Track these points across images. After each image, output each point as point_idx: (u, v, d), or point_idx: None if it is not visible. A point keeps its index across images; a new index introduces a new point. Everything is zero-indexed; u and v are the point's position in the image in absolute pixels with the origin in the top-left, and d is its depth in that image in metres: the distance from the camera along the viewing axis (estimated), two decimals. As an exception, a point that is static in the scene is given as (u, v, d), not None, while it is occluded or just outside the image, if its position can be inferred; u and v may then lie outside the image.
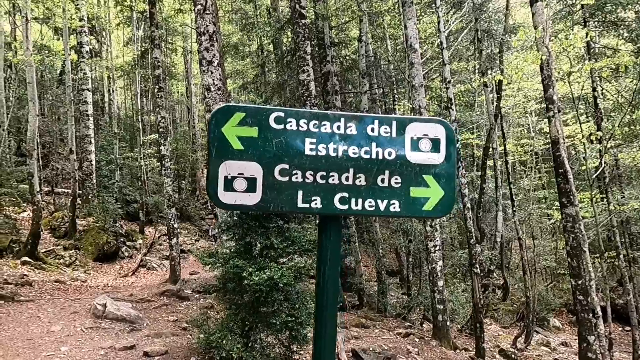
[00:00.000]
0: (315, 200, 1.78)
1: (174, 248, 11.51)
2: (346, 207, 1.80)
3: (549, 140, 8.43)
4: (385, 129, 1.84)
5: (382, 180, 1.82)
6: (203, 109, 22.75)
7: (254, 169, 1.74)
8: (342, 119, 1.82)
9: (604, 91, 14.41)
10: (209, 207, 21.99)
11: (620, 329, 15.21)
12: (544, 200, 19.57)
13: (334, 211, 1.80)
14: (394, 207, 1.83)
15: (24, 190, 13.98)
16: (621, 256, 11.23)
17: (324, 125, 1.80)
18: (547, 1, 13.78)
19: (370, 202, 1.82)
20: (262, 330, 5.51)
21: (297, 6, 10.39)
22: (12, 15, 18.75)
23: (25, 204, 14.54)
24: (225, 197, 1.73)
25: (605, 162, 11.35)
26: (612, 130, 10.33)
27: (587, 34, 8.62)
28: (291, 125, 1.78)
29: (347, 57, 17.32)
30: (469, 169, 20.52)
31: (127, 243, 15.55)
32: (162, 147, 11.93)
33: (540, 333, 13.57)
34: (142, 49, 20.41)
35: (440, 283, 9.30)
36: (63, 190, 18.21)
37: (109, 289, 10.58)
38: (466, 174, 13.77)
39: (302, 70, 10.40)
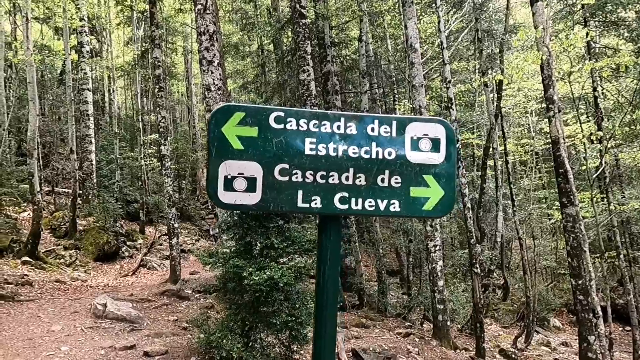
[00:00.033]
0: (315, 200, 1.78)
1: (174, 248, 11.51)
2: (346, 207, 1.80)
3: (550, 140, 8.42)
4: (385, 128, 1.84)
5: (382, 180, 1.82)
6: (203, 109, 22.73)
7: (253, 169, 1.74)
8: (342, 119, 1.82)
9: (604, 91, 14.41)
10: (210, 207, 21.99)
11: (620, 329, 15.21)
12: (544, 200, 19.56)
13: (333, 211, 1.80)
14: (394, 207, 1.83)
15: (25, 190, 13.99)
16: (621, 256, 11.23)
17: (324, 125, 1.80)
18: (548, 1, 13.78)
19: (370, 202, 1.82)
20: (262, 330, 5.51)
21: (298, 6, 10.38)
22: (13, 15, 18.75)
23: (25, 204, 14.54)
24: (225, 196, 1.73)
25: (605, 162, 11.34)
26: (612, 130, 10.33)
27: (587, 34, 8.62)
28: (291, 125, 1.78)
29: (348, 57, 17.32)
30: (469, 169, 20.52)
31: (128, 243, 15.55)
32: (162, 147, 11.93)
33: (540, 333, 13.57)
34: (143, 49, 20.42)
35: (441, 283, 9.30)
36: (63, 190, 18.21)
37: (109, 288, 10.58)
38: (466, 174, 13.77)
39: (302, 70, 10.40)
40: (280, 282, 5.03)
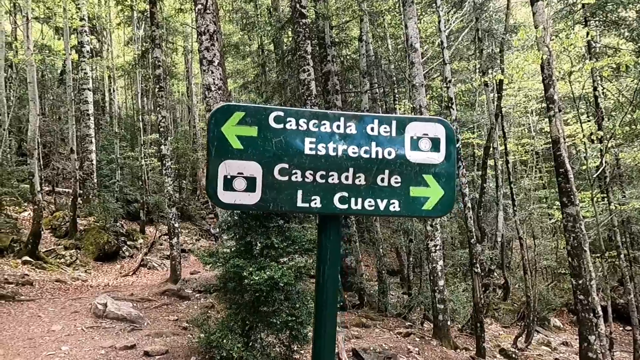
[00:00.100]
0: (315, 199, 1.78)
1: (174, 247, 11.52)
2: (346, 206, 1.80)
3: (550, 140, 8.42)
4: (385, 128, 1.84)
5: (382, 180, 1.82)
6: (204, 109, 22.73)
7: (253, 169, 1.74)
8: (342, 119, 1.82)
9: (604, 91, 14.40)
10: (210, 207, 22.00)
11: (621, 328, 15.20)
12: (544, 200, 19.55)
13: (333, 211, 1.80)
14: (394, 207, 1.83)
15: (25, 190, 14.00)
16: (622, 256, 11.22)
17: (324, 124, 1.80)
18: (548, 0, 13.77)
19: (370, 202, 1.81)
20: (262, 330, 5.51)
21: (298, 5, 10.38)
22: (13, 14, 18.75)
23: (26, 204, 14.55)
24: (224, 196, 1.73)
25: (606, 162, 11.33)
26: (613, 130, 10.31)
27: (587, 34, 8.61)
28: (291, 125, 1.78)
29: (348, 57, 17.31)
30: (470, 169, 20.51)
31: (128, 242, 15.56)
32: (162, 147, 11.93)
33: (540, 333, 13.56)
34: (143, 49, 20.42)
35: (441, 282, 9.30)
36: (64, 189, 18.22)
37: (110, 288, 10.59)
38: (467, 174, 13.77)
39: (302, 70, 10.40)
40: (280, 282, 5.03)
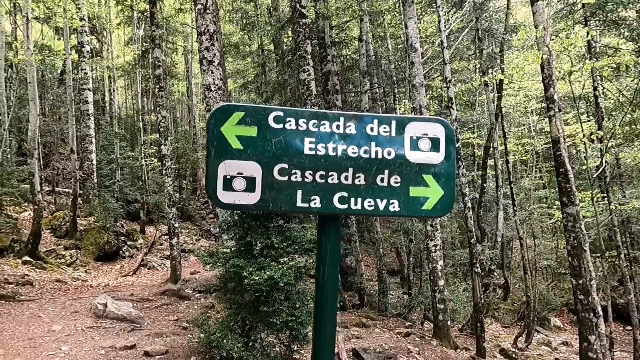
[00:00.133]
0: (315, 199, 1.78)
1: (174, 247, 11.52)
2: (345, 206, 1.80)
3: (550, 140, 8.42)
4: (385, 128, 1.84)
5: (382, 180, 1.82)
6: (204, 109, 22.76)
7: (253, 169, 1.74)
8: (342, 119, 1.82)
9: (604, 90, 14.39)
10: (210, 207, 21.99)
11: (621, 328, 15.20)
12: (544, 200, 19.54)
13: (333, 211, 1.80)
14: (394, 207, 1.83)
15: (25, 190, 14.00)
16: (622, 255, 11.22)
17: (323, 124, 1.80)
18: (548, 0, 13.77)
19: (369, 202, 1.81)
20: (262, 330, 5.51)
21: (298, 5, 10.38)
22: (13, 15, 18.75)
23: (26, 204, 14.55)
24: (224, 196, 1.73)
25: (606, 162, 11.33)
26: (613, 130, 10.30)
27: (588, 33, 8.60)
28: (290, 125, 1.78)
29: (348, 57, 17.31)
30: (470, 169, 20.51)
31: (128, 242, 15.57)
32: (162, 147, 11.94)
33: (541, 332, 13.56)
34: (143, 49, 20.42)
35: (441, 282, 9.30)
36: (64, 189, 18.23)
37: (110, 288, 10.59)
38: (467, 174, 13.76)
39: (302, 70, 10.40)
40: (280, 282, 5.03)
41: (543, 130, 20.19)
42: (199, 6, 7.69)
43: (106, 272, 13.14)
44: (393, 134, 1.84)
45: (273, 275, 4.99)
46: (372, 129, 1.83)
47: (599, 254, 12.26)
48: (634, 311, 10.46)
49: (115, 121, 22.68)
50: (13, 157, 16.85)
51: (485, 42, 16.71)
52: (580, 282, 7.20)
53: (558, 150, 7.39)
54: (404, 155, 1.84)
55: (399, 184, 1.83)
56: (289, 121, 1.78)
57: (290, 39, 16.83)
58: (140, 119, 20.44)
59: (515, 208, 14.40)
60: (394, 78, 16.04)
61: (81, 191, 16.03)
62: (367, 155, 1.81)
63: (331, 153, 1.79)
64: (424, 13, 17.42)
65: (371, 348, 7.64)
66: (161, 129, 12.08)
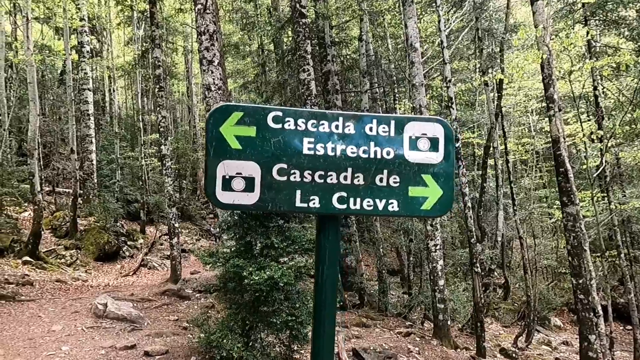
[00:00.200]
0: (314, 199, 1.78)
1: (174, 247, 11.52)
2: (344, 206, 1.80)
3: (550, 139, 8.41)
4: (384, 128, 1.83)
5: (381, 180, 1.82)
6: (204, 109, 22.75)
7: (252, 169, 1.74)
8: (341, 119, 1.82)
9: (604, 90, 14.39)
10: (210, 207, 21.99)
11: (621, 328, 15.19)
12: (544, 199, 19.54)
13: (332, 211, 1.80)
14: (393, 207, 1.83)
15: (25, 190, 14.01)
16: (622, 255, 11.22)
17: (322, 124, 1.79)
18: (548, 0, 13.76)
19: (368, 202, 1.81)
20: (262, 330, 5.51)
21: (298, 5, 10.38)
22: (13, 15, 18.75)
23: (26, 204, 14.56)
24: (223, 196, 1.73)
25: (606, 161, 11.33)
26: (613, 129, 10.30)
27: (587, 33, 8.59)
28: (289, 125, 1.77)
29: (348, 56, 17.31)
30: (470, 168, 20.51)
31: (128, 243, 15.57)
32: (162, 147, 11.94)
33: (541, 332, 13.56)
34: (143, 49, 20.43)
35: (441, 282, 9.29)
36: (64, 190, 18.24)
37: (110, 288, 10.59)
38: (467, 173, 13.76)
39: (302, 70, 10.40)
40: (280, 282, 5.03)
41: (543, 130, 20.19)
42: (199, 6, 7.69)
43: (106, 272, 13.14)
44: (392, 133, 1.84)
45: (273, 275, 4.99)
46: (371, 129, 1.83)
47: (599, 254, 12.26)
48: (634, 311, 10.46)
49: (115, 121, 22.69)
50: (13, 157, 16.85)
51: (485, 42, 16.71)
52: (581, 281, 7.20)
53: (558, 150, 7.39)
54: (403, 155, 1.83)
55: (398, 184, 1.83)
56: (288, 121, 1.77)
57: (290, 38, 16.83)
58: (140, 119, 20.44)
59: (515, 208, 14.40)
60: (394, 78, 16.03)
61: (81, 191, 16.04)
62: (366, 155, 1.81)
63: (330, 153, 1.78)
64: (423, 13, 17.41)
65: (371, 348, 7.64)
66: (161, 129, 12.08)
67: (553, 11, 14.12)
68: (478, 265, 9.70)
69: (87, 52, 18.02)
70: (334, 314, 1.86)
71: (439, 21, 10.61)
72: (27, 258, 11.21)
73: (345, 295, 11.21)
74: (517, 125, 23.47)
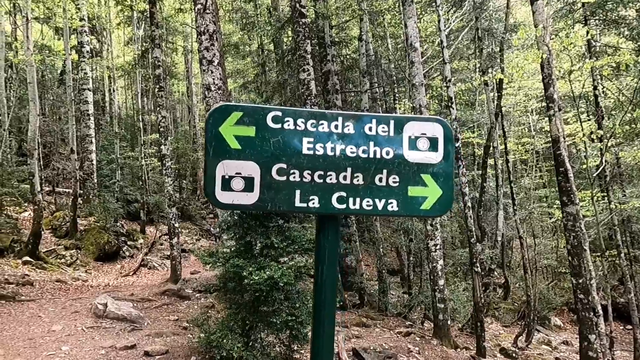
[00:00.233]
0: (313, 199, 1.78)
1: (174, 247, 11.52)
2: (344, 206, 1.80)
3: (550, 139, 8.41)
4: (383, 128, 1.83)
5: (380, 180, 1.82)
6: (204, 109, 22.74)
7: (251, 169, 1.74)
8: (340, 118, 1.81)
9: (604, 89, 14.39)
10: (210, 207, 21.99)
11: (621, 327, 15.19)
12: (544, 199, 19.54)
13: (331, 211, 1.80)
14: (392, 207, 1.83)
15: (25, 190, 14.01)
16: (622, 255, 11.21)
17: (322, 124, 1.79)
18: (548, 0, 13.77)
19: (368, 202, 1.81)
20: (262, 330, 5.51)
21: (298, 5, 10.38)
22: (13, 15, 18.75)
23: (26, 204, 14.56)
24: (222, 196, 1.73)
25: (606, 161, 11.33)
26: (613, 129, 10.30)
27: (587, 32, 8.59)
28: (289, 125, 1.77)
29: (348, 56, 17.31)
30: (470, 168, 20.51)
31: (128, 242, 15.57)
32: (162, 147, 11.94)
33: (541, 332, 13.56)
34: (143, 49, 20.43)
35: (441, 282, 9.30)
36: (64, 190, 18.24)
37: (110, 288, 10.59)
38: (467, 173, 13.76)
39: (302, 70, 10.40)
40: (280, 282, 5.03)
41: (543, 130, 20.19)
42: (199, 6, 7.69)
43: (106, 272, 13.14)
44: (391, 133, 1.84)
45: (273, 275, 4.99)
46: (370, 129, 1.83)
47: (599, 253, 12.26)
48: (634, 310, 10.45)
49: (115, 121, 22.69)
50: (13, 157, 16.86)
51: (485, 42, 16.71)
52: (581, 281, 7.21)
53: (558, 150, 7.39)
54: (403, 155, 1.83)
55: (397, 184, 1.83)
56: (287, 121, 1.77)
57: (290, 38, 16.83)
58: (140, 119, 20.45)
59: (515, 207, 14.39)
60: (394, 77, 16.04)
61: (81, 191, 16.04)
62: (365, 155, 1.81)
63: (329, 153, 1.78)
64: (423, 12, 17.41)
65: (371, 348, 7.64)
66: (161, 129, 12.08)
67: (553, 11, 14.13)
68: (478, 265, 9.70)
69: (87, 52, 18.02)
70: (334, 313, 1.86)
71: (439, 21, 10.61)
72: (27, 258, 11.21)
73: (345, 295, 11.21)
74: (517, 125, 23.47)
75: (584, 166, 11.55)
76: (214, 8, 7.95)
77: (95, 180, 17.47)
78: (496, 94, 15.26)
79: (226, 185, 1.73)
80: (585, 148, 11.82)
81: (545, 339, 13.06)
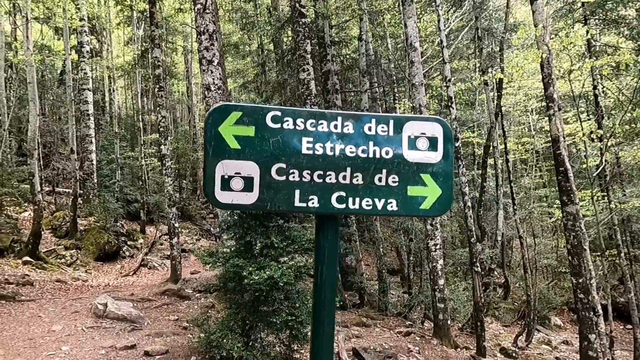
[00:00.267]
0: (313, 199, 1.78)
1: (174, 247, 11.52)
2: (343, 206, 1.80)
3: (550, 139, 8.41)
4: (383, 127, 1.83)
5: (380, 179, 1.82)
6: (204, 108, 22.71)
7: (250, 168, 1.74)
8: (339, 118, 1.81)
9: (604, 89, 14.38)
10: (210, 207, 21.99)
11: (621, 327, 15.20)
12: (544, 199, 19.54)
13: (331, 210, 1.80)
14: (392, 206, 1.83)
15: (25, 190, 14.01)
16: (622, 254, 11.21)
17: (321, 124, 1.79)
18: (548, -1, 13.76)
19: (367, 201, 1.81)
20: (262, 330, 5.51)
21: (297, 5, 10.38)
22: (13, 15, 18.76)
23: (26, 204, 14.56)
24: (222, 196, 1.73)
25: (606, 160, 11.33)
26: (612, 129, 10.29)
27: (587, 32, 8.59)
28: (288, 125, 1.77)
29: (348, 56, 17.31)
30: (470, 168, 20.51)
31: (128, 242, 15.57)
32: (162, 147, 11.94)
33: (541, 331, 13.55)
34: (143, 49, 20.44)
35: (441, 282, 9.30)
36: (64, 190, 18.23)
37: (110, 288, 10.59)
38: (467, 173, 13.76)
39: (302, 69, 10.40)
40: (280, 282, 5.04)
41: (543, 129, 20.18)
42: (199, 6, 7.69)
43: (106, 272, 13.14)
44: (391, 133, 1.84)
45: (273, 275, 4.99)
46: (370, 129, 1.83)
47: (599, 253, 12.26)
48: (634, 310, 10.45)
49: (115, 121, 22.69)
50: (13, 157, 16.86)
51: (485, 41, 16.70)
52: (581, 280, 7.21)
53: (558, 149, 7.39)
54: (402, 155, 1.83)
55: (396, 184, 1.83)
56: (287, 121, 1.77)
57: (289, 38, 16.82)
58: (140, 119, 20.45)
59: (515, 207, 14.39)
60: (394, 77, 16.04)
61: (81, 191, 16.04)
62: (365, 155, 1.81)
63: (329, 153, 1.78)
64: (423, 12, 17.41)
65: (371, 347, 7.64)
66: (161, 129, 12.08)
67: (553, 10, 14.13)
68: (478, 264, 9.70)
69: (87, 52, 18.02)
70: (333, 313, 1.86)
71: (439, 20, 10.61)
72: (27, 258, 11.21)
73: (346, 295, 11.21)
74: (517, 125, 23.47)
75: (584, 166, 11.55)
76: (214, 8, 7.95)
77: (95, 180, 17.47)
78: (496, 94, 15.26)
79: (225, 185, 1.73)
80: (585, 148, 11.82)
81: (545, 338, 13.06)
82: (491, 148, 15.83)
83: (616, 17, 12.53)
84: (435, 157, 1.85)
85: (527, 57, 8.31)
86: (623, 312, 14.30)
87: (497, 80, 13.80)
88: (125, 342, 6.25)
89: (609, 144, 10.65)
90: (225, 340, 5.08)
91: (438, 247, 9.37)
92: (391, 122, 1.85)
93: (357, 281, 11.96)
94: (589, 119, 15.31)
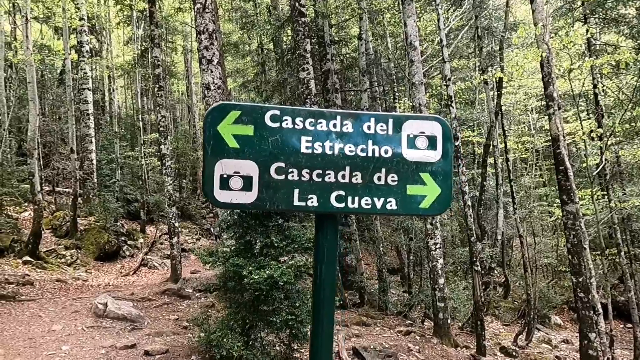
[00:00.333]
0: (312, 198, 1.77)
1: (174, 247, 11.52)
2: (342, 205, 1.80)
3: (550, 138, 8.41)
4: (382, 126, 1.83)
5: (379, 178, 1.81)
6: (203, 108, 22.72)
7: (249, 168, 1.74)
8: (338, 117, 1.81)
9: (604, 88, 14.37)
10: (210, 206, 21.98)
11: (621, 326, 15.20)
12: (544, 198, 19.53)
13: (330, 209, 1.80)
14: (391, 205, 1.82)
15: (25, 190, 14.01)
16: (622, 253, 11.21)
17: (320, 123, 1.79)
18: (548, -2, 13.75)
19: (366, 200, 1.81)
20: (262, 329, 5.51)
21: (297, 4, 10.37)
22: (12, 14, 18.73)
23: (26, 204, 14.56)
24: (221, 195, 1.73)
25: (606, 159, 11.32)
26: (612, 127, 10.29)
27: (587, 31, 8.60)
28: (287, 124, 1.77)
29: (347, 55, 17.30)
30: (470, 167, 20.50)
31: (128, 242, 15.57)
32: (162, 146, 11.94)
33: (541, 330, 13.56)
34: (142, 48, 20.43)
35: (441, 281, 9.30)
36: (64, 189, 18.23)
37: (110, 288, 10.60)
38: (467, 172, 13.76)
39: (302, 69, 10.39)
40: (280, 281, 5.04)
41: (543, 128, 20.18)
42: (198, 5, 7.68)
43: (106, 271, 13.15)
44: (390, 132, 1.84)
45: (273, 274, 4.99)
46: (369, 128, 1.82)
47: (599, 252, 12.26)
48: (634, 309, 10.45)
49: (115, 121, 22.69)
50: (13, 157, 16.85)
51: (485, 40, 16.69)
52: (581, 279, 7.21)
53: (558, 148, 7.39)
54: (401, 154, 1.83)
55: (396, 183, 1.82)
56: (286, 120, 1.77)
57: (289, 37, 16.81)
58: (140, 119, 20.44)
59: (515, 206, 14.39)
60: (394, 76, 16.04)
61: (81, 191, 16.04)
62: (364, 154, 1.81)
63: (328, 152, 1.78)
64: (423, 11, 17.40)
65: (371, 347, 7.64)
66: (161, 129, 12.08)
67: (552, 9, 14.12)
68: (478, 263, 9.70)
69: (87, 51, 18.02)
70: (333, 312, 1.86)
71: (439, 20, 10.60)
72: (27, 258, 11.22)
73: (346, 294, 11.21)
74: (517, 124, 23.47)
75: (584, 165, 11.55)
76: (214, 7, 7.94)
77: (95, 180, 17.47)
78: (496, 93, 15.25)
79: (224, 184, 1.73)
80: (585, 147, 11.82)
81: (546, 337, 13.07)
82: (491, 147, 15.82)
83: (616, 15, 12.53)
84: (435, 156, 1.85)
85: (527, 56, 8.31)
86: (623, 311, 14.30)
87: (497, 79, 13.79)
88: (125, 341, 6.26)
89: (609, 142, 10.65)
90: (225, 340, 5.09)
91: (438, 246, 9.37)
92: (390, 121, 1.85)
93: (357, 280, 11.96)
94: (589, 118, 15.32)
